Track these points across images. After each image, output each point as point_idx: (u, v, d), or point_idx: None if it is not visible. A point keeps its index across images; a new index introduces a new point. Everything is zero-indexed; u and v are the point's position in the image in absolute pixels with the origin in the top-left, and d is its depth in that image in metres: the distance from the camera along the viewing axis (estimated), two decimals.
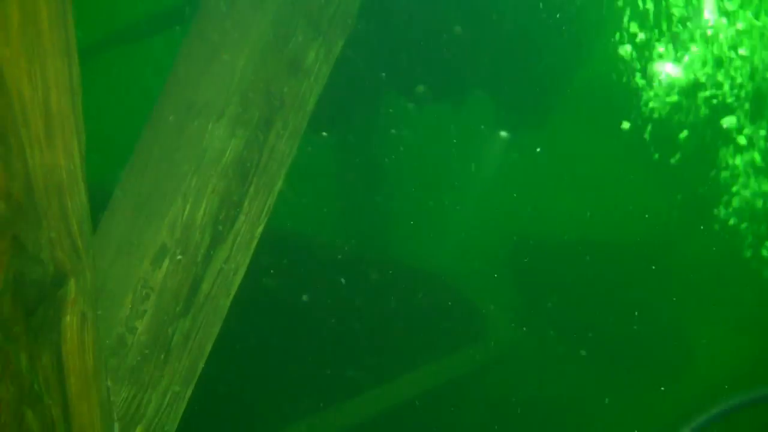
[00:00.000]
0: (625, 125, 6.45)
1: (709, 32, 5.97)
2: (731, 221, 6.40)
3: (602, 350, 7.10)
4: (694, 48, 6.02)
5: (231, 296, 2.48)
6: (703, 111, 6.23)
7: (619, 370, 7.05)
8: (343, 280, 6.76)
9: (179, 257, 2.35)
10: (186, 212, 2.36)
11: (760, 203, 6.26)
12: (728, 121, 6.19)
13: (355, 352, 6.46)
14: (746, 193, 6.25)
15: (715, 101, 6.23)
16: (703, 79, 6.10)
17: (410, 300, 6.80)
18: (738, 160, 6.24)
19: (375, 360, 6.27)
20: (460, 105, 6.47)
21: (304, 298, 6.41)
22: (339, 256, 7.07)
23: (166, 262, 2.34)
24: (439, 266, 7.38)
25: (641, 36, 6.14)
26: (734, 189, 6.27)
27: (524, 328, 7.06)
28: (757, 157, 6.23)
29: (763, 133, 6.16)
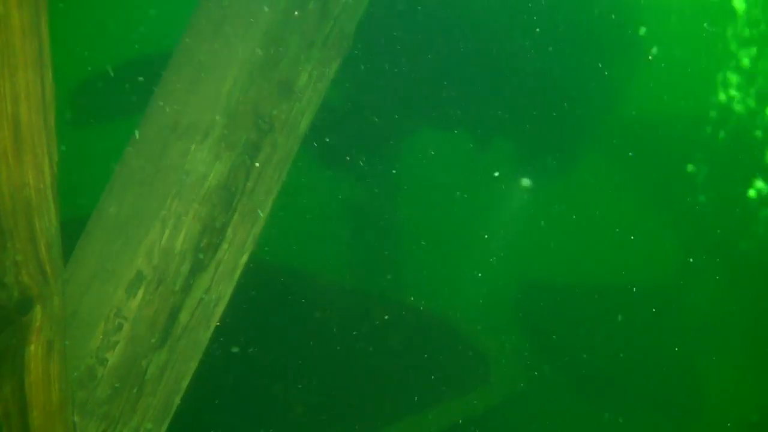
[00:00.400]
0: (638, 171, 6.33)
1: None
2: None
3: (611, 395, 6.91)
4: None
5: (211, 328, 2.34)
6: (719, 153, 6.12)
7: (629, 415, 6.86)
8: (347, 320, 6.63)
9: (156, 285, 2.21)
10: (165, 238, 2.23)
11: None
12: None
13: (359, 394, 6.31)
14: None
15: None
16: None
17: (416, 341, 6.65)
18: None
19: (379, 402, 6.12)
20: (482, 147, 6.36)
21: (308, 336, 6.29)
22: (345, 295, 6.95)
23: (142, 291, 2.20)
24: (448, 308, 7.24)
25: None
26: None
27: (532, 373, 6.90)
28: None
29: None
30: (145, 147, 2.31)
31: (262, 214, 2.40)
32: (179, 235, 2.25)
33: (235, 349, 5.59)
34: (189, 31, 2.35)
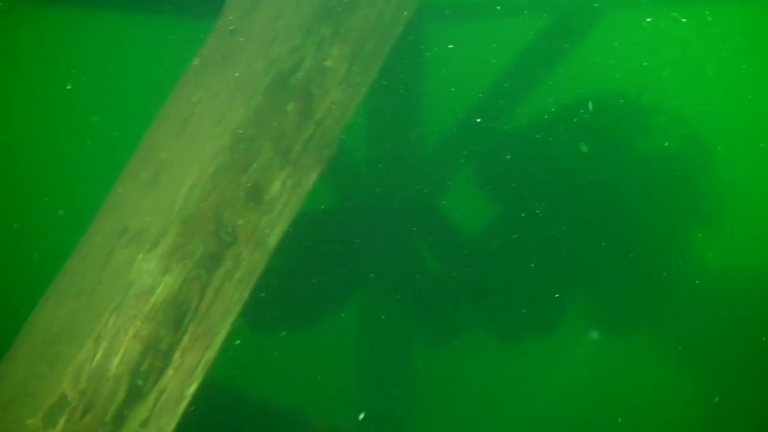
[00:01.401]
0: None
1: None
2: None
3: None
4: None
5: None
6: None
7: None
8: None
9: (81, 413, 1.89)
10: (97, 358, 1.92)
11: None
12: None
13: None
14: None
15: None
16: None
17: None
18: None
19: None
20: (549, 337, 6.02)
21: None
22: None
23: (64, 419, 1.88)
24: None
25: None
26: None
27: None
28: None
29: None
30: (89, 253, 2.03)
31: (218, 338, 2.08)
32: (115, 356, 1.94)
33: None
34: (153, 127, 2.12)
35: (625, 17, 7.50)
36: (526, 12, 7.79)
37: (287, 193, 2.17)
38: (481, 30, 8.20)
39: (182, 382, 2.04)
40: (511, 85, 7.42)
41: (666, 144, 5.59)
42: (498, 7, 7.89)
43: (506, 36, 7.62)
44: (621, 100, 5.70)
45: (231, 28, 2.13)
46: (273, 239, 2.16)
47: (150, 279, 1.98)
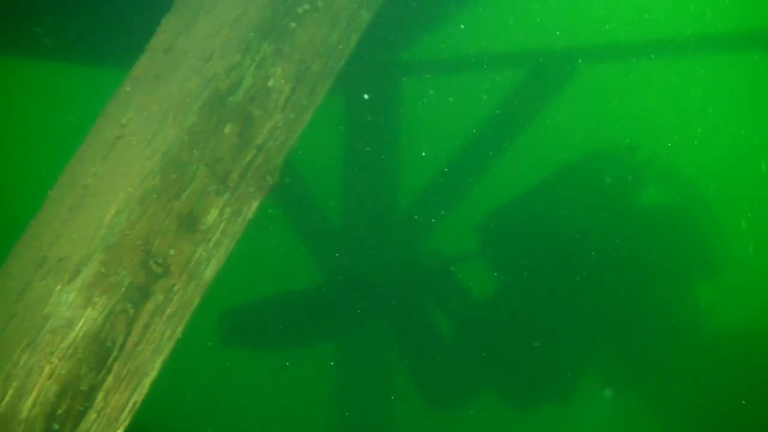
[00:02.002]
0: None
1: None
2: None
3: None
4: None
5: None
6: None
7: None
8: None
9: None
10: (6, 400, 1.73)
11: None
12: None
13: None
14: None
15: None
16: None
17: None
18: None
19: None
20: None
21: None
22: None
23: None
24: None
25: None
26: None
27: None
28: None
29: None
30: (3, 286, 1.86)
31: (147, 379, 1.90)
32: (27, 397, 1.75)
33: None
34: (79, 152, 1.96)
35: (601, 71, 7.48)
36: (501, 67, 7.77)
37: (225, 223, 2.01)
38: (457, 84, 8.17)
39: (106, 427, 1.85)
40: (491, 139, 7.34)
41: (663, 196, 5.52)
42: (473, 62, 7.87)
43: (482, 90, 7.58)
44: (612, 155, 5.62)
45: (165, 46, 1.99)
46: (209, 272, 2.00)
47: (69, 312, 1.80)
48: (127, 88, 1.98)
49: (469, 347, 5.80)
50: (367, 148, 7.72)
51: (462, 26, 7.47)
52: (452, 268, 5.93)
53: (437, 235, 7.53)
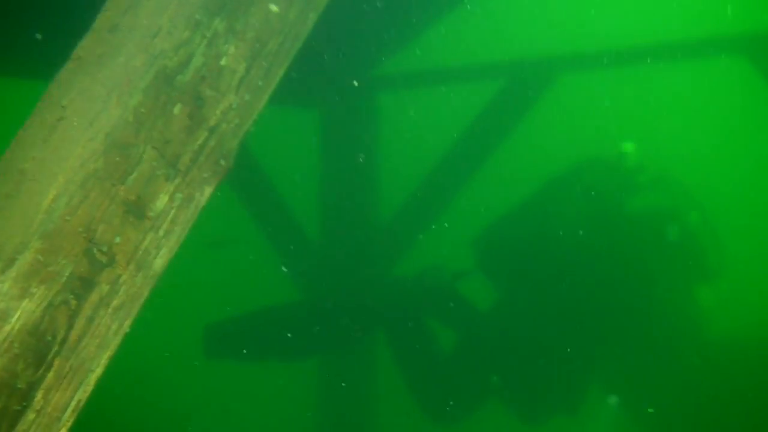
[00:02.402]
0: None
1: None
2: None
3: None
4: None
5: None
6: None
7: None
8: None
9: None
10: None
11: None
12: None
13: None
14: None
15: None
16: None
17: None
18: None
19: None
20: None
21: None
22: None
23: None
24: None
25: None
26: None
27: None
28: None
29: None
30: None
31: (93, 375, 1.77)
32: None
33: None
34: (17, 137, 1.84)
35: (579, 80, 7.41)
36: (478, 78, 7.69)
37: (176, 209, 1.89)
38: (436, 97, 8.08)
39: (46, 427, 1.72)
40: (471, 151, 7.25)
41: (656, 202, 5.47)
42: (451, 74, 7.79)
43: (460, 102, 7.49)
44: (604, 163, 5.58)
45: (110, 25, 1.88)
46: (160, 262, 1.87)
47: (3, 304, 1.67)
48: (70, 69, 1.86)
49: (470, 360, 5.75)
50: (345, 163, 7.62)
51: (439, 39, 7.40)
52: (454, 285, 5.90)
53: (418, 248, 7.42)
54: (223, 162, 1.95)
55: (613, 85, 7.45)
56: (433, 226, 7.39)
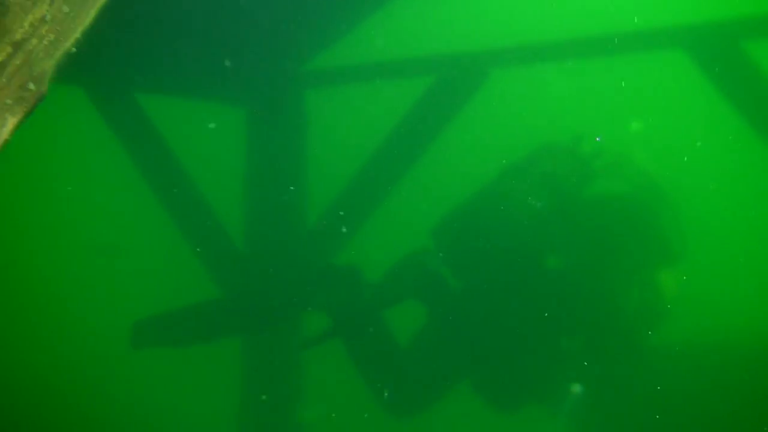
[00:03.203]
0: None
1: None
2: None
3: None
4: None
5: None
6: None
7: None
8: None
9: None
10: None
11: None
12: None
13: None
14: None
15: None
16: None
17: None
18: None
19: None
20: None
21: None
22: None
23: None
24: None
25: None
26: None
27: None
28: None
29: None
30: None
31: None
32: None
33: None
34: None
35: (512, 75, 7.21)
36: (409, 74, 7.44)
37: None
38: (365, 93, 7.82)
39: None
40: (402, 148, 6.98)
41: (615, 187, 5.40)
42: (381, 69, 7.52)
43: (391, 99, 7.23)
44: (561, 149, 5.46)
45: None
46: None
47: None
48: None
49: (429, 348, 5.66)
50: (272, 161, 7.34)
51: (369, 33, 7.18)
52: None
53: (347, 249, 7.18)
54: (32, 86, 1.59)
55: (548, 79, 7.27)
56: (362, 226, 7.14)
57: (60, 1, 1.62)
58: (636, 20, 6.43)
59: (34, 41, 1.59)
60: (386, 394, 5.70)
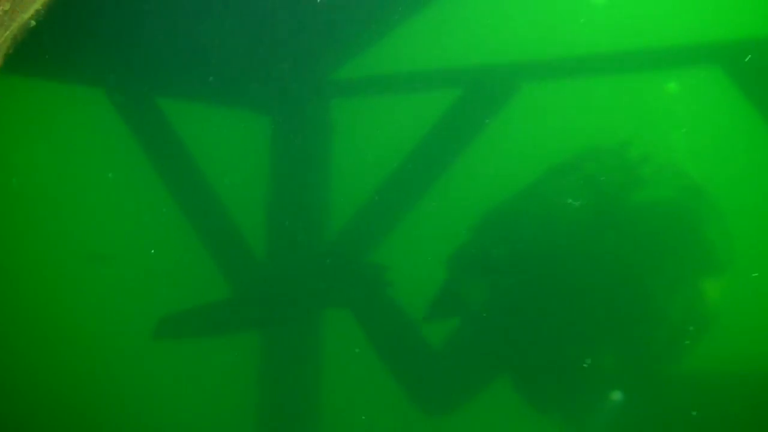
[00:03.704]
0: None
1: None
2: None
3: None
4: None
5: None
6: None
7: None
8: None
9: None
10: None
11: None
12: None
13: None
14: None
15: None
16: None
17: None
18: None
19: None
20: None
21: None
22: None
23: None
24: None
25: None
26: None
27: None
28: None
29: None
30: None
31: None
32: None
33: None
34: None
35: (544, 89, 7.11)
36: (436, 86, 7.37)
37: None
38: (394, 104, 7.76)
39: None
40: (428, 160, 6.91)
41: (661, 194, 5.34)
42: (409, 81, 7.46)
43: (419, 110, 7.17)
44: (607, 152, 5.45)
45: None
46: None
47: None
48: None
49: (471, 352, 5.70)
50: (297, 172, 7.31)
51: (398, 44, 7.15)
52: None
53: (377, 253, 7.21)
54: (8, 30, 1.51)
55: (581, 93, 7.17)
56: (387, 238, 7.11)
57: None
58: (676, 29, 6.35)
59: None
60: (420, 392, 5.67)
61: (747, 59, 5.76)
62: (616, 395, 5.47)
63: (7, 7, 1.55)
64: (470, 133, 6.89)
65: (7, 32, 1.56)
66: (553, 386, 5.45)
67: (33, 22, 1.59)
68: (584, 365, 5.38)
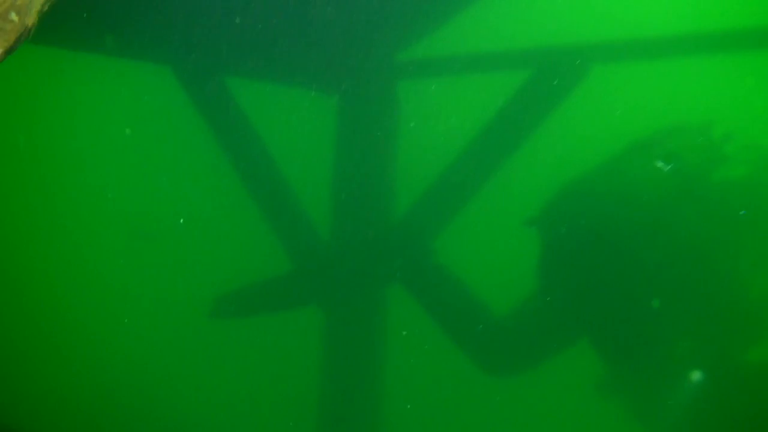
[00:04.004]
0: None
1: None
2: None
3: None
4: None
5: None
6: None
7: None
8: None
9: None
10: None
11: None
12: None
13: None
14: None
15: None
16: None
17: None
18: None
19: None
20: None
21: None
22: None
23: None
24: None
25: None
26: None
27: None
28: None
29: None
30: None
31: None
32: None
33: None
34: None
35: (613, 70, 6.99)
36: (506, 66, 7.29)
37: None
38: (459, 85, 7.70)
39: None
40: (494, 142, 6.88)
41: (744, 171, 5.28)
42: (476, 62, 7.41)
43: (485, 92, 7.11)
44: (691, 131, 5.42)
45: None
46: None
47: None
48: None
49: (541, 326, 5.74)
50: (363, 152, 7.34)
51: (464, 25, 7.10)
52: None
53: (438, 243, 7.18)
54: (14, 17, 1.56)
55: (649, 76, 7.01)
56: (453, 220, 7.11)
57: None
58: (759, 7, 6.21)
59: None
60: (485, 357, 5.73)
61: None
62: (695, 375, 5.41)
63: None
64: (540, 115, 6.83)
65: None
66: (627, 363, 5.42)
67: None
68: (659, 339, 5.32)
